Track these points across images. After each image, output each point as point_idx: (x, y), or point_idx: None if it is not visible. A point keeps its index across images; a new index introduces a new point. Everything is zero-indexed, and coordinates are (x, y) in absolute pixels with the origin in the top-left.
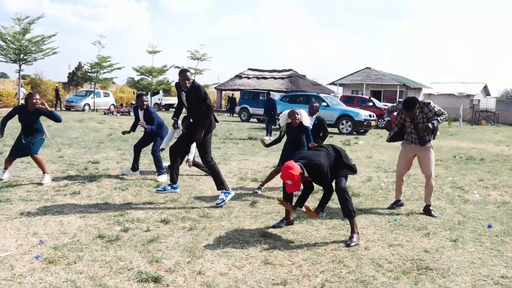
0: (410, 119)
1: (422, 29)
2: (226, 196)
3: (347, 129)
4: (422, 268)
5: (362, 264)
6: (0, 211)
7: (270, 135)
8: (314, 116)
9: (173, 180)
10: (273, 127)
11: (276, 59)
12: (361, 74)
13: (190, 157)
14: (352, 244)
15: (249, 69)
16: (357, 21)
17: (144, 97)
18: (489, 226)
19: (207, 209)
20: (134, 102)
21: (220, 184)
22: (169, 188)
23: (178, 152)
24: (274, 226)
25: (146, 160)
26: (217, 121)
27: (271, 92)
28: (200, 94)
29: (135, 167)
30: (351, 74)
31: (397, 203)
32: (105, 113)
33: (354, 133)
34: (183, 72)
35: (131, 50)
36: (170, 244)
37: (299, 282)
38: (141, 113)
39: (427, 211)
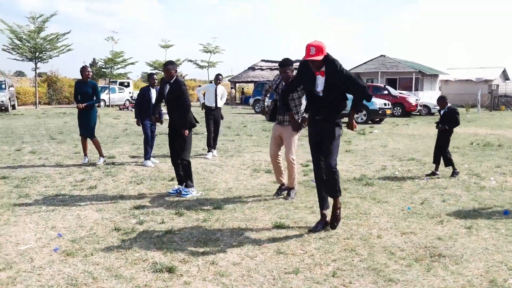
0: (285, 81)
1: (437, 14)
2: (192, 191)
3: (362, 118)
4: (435, 255)
5: (374, 252)
6: (20, 206)
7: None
8: (446, 108)
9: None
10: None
11: (289, 49)
12: (376, 62)
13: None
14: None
15: (262, 60)
16: (371, 7)
17: (155, 75)
18: (506, 213)
19: (221, 201)
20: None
21: (188, 180)
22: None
23: (176, 156)
24: (311, 231)
25: (160, 151)
26: (197, 122)
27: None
28: (181, 89)
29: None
30: (365, 62)
31: (281, 189)
32: (120, 109)
33: (369, 122)
34: (167, 64)
35: (146, 44)
36: (184, 235)
37: (311, 271)
38: (153, 92)
39: (287, 194)
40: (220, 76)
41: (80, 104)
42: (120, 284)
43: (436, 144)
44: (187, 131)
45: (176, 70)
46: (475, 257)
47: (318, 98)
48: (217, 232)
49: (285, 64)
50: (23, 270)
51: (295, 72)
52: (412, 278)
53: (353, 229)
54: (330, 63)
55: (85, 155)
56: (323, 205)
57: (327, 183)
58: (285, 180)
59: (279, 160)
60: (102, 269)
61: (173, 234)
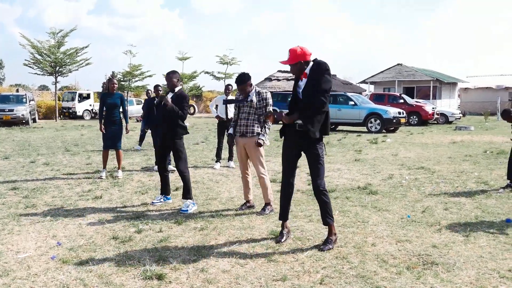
0: (244, 95)
1: (458, 19)
2: (193, 205)
3: (376, 127)
4: (427, 263)
5: (366, 260)
6: (25, 216)
7: (140, 144)
8: None
9: (165, 191)
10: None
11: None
12: (392, 71)
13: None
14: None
15: (279, 71)
16: (391, 15)
17: (160, 87)
18: (508, 221)
19: (222, 210)
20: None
21: (187, 193)
22: (163, 200)
23: (165, 166)
24: (277, 241)
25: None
26: (187, 132)
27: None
28: (184, 103)
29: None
30: (382, 71)
31: (246, 204)
32: (137, 120)
33: (384, 131)
34: (170, 73)
35: (166, 57)
36: (179, 243)
37: (299, 278)
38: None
39: (262, 209)
40: (230, 86)
41: (103, 128)
42: None
43: (510, 156)
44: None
45: (178, 79)
46: (468, 264)
47: (299, 101)
48: (212, 241)
49: (240, 82)
50: (18, 277)
51: (253, 86)
52: (399, 286)
53: (349, 237)
54: (315, 65)
55: (104, 168)
56: (283, 216)
57: (320, 208)
58: (251, 197)
59: (247, 175)
60: (94, 276)
61: (168, 242)
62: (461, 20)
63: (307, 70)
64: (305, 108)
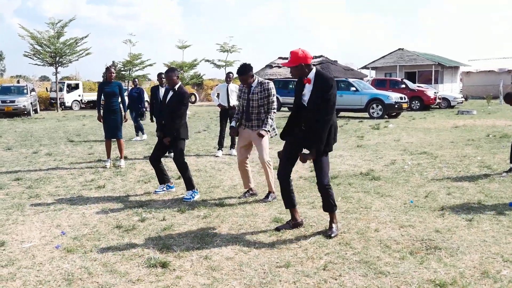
0: (246, 85)
1: (458, 18)
2: (196, 194)
3: (378, 113)
4: (431, 248)
5: (369, 245)
6: (29, 206)
7: (143, 133)
8: None
9: (163, 181)
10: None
11: (309, 46)
12: (394, 56)
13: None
14: (333, 234)
15: (279, 58)
16: (391, 6)
17: (163, 75)
18: (511, 204)
19: (224, 198)
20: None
21: (189, 185)
22: (166, 188)
23: (158, 158)
24: (278, 229)
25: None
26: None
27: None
28: (183, 100)
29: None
30: (383, 57)
31: (248, 192)
32: None
33: (386, 116)
34: (168, 71)
35: (165, 46)
36: (182, 231)
37: (302, 264)
38: (162, 91)
39: (265, 196)
40: (230, 74)
41: (101, 118)
42: (114, 279)
43: None
44: (168, 139)
45: (178, 76)
46: (471, 249)
47: (303, 108)
48: (216, 228)
49: (242, 73)
50: (24, 266)
51: (255, 77)
52: (403, 271)
53: (351, 223)
54: (321, 78)
55: (108, 157)
56: (288, 204)
57: (322, 200)
58: (252, 185)
59: (246, 164)
60: (99, 265)
61: (172, 230)
62: (460, 19)
63: (311, 77)
64: (311, 121)
